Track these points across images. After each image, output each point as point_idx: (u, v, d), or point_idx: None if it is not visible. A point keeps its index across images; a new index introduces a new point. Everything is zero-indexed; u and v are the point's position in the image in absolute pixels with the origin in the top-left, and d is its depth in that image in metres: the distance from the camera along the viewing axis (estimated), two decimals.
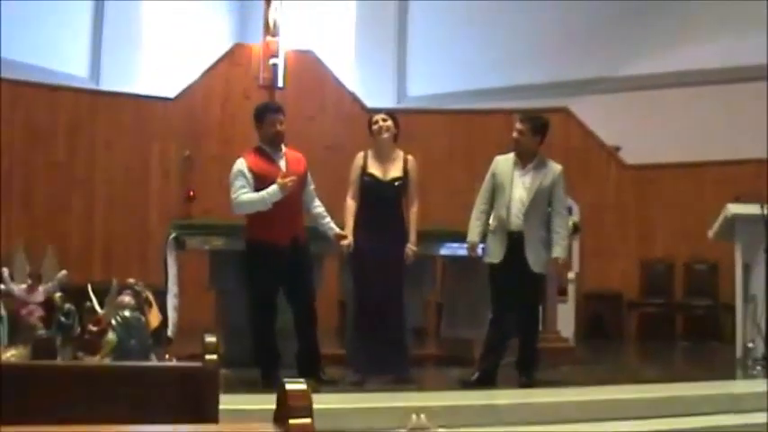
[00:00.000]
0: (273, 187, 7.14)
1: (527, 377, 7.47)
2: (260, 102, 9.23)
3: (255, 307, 7.37)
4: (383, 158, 7.55)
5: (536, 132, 7.52)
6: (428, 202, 12.33)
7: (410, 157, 7.64)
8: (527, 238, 7.35)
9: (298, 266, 7.34)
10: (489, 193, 7.60)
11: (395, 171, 7.53)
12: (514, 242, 7.38)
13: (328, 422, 5.31)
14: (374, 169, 7.51)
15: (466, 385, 7.40)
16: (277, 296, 7.37)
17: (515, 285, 7.41)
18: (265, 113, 7.49)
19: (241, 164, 7.30)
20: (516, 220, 7.38)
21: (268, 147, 7.42)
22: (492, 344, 7.55)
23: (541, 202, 7.41)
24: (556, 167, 7.52)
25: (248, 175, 7.23)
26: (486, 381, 7.43)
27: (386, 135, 7.54)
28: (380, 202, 7.48)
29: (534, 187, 7.39)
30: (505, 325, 7.54)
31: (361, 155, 7.61)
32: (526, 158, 7.50)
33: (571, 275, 11.18)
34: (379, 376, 7.34)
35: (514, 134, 7.53)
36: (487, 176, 7.64)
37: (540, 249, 7.37)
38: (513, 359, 7.67)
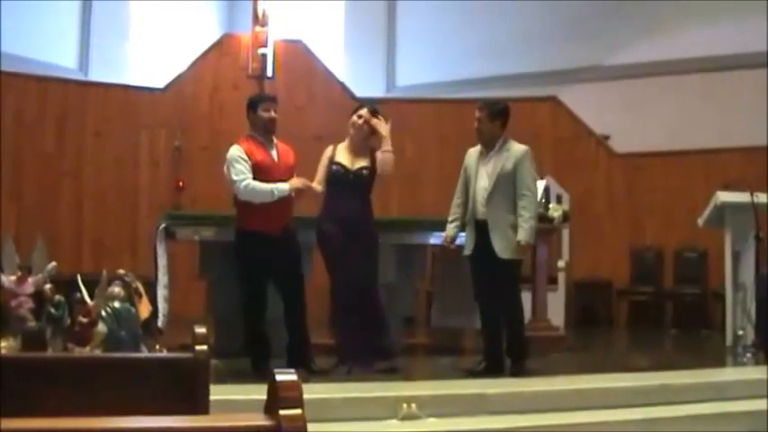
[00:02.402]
0: (284, 185, 7.22)
1: (517, 365, 7.48)
2: (249, 92, 9.24)
3: (246, 297, 7.37)
4: (354, 150, 7.59)
5: (494, 118, 7.52)
6: (418, 191, 12.42)
7: (379, 153, 7.65)
8: (492, 226, 7.33)
9: (288, 256, 7.36)
10: (463, 186, 7.65)
11: (362, 161, 7.56)
12: (481, 231, 7.39)
13: (319, 412, 5.31)
14: (342, 159, 7.55)
15: (472, 374, 7.41)
16: (268, 286, 7.38)
17: (487, 274, 7.42)
18: (260, 101, 7.54)
19: (238, 150, 7.32)
20: (481, 209, 7.40)
21: (260, 136, 7.44)
22: (486, 334, 7.59)
23: (506, 187, 7.36)
24: (518, 149, 7.48)
25: (248, 161, 7.26)
26: (494, 369, 7.46)
27: (360, 135, 7.58)
28: (347, 191, 7.50)
29: (496, 173, 7.38)
30: (491, 312, 7.56)
31: (331, 147, 7.67)
32: (489, 146, 7.53)
33: (561, 264, 11.20)
34: (363, 366, 7.34)
35: (475, 124, 7.57)
36: (461, 170, 7.67)
37: (509, 235, 7.31)
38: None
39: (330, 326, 8.38)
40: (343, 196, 7.47)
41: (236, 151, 7.31)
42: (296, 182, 7.26)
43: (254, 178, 7.22)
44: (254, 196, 7.23)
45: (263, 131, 7.44)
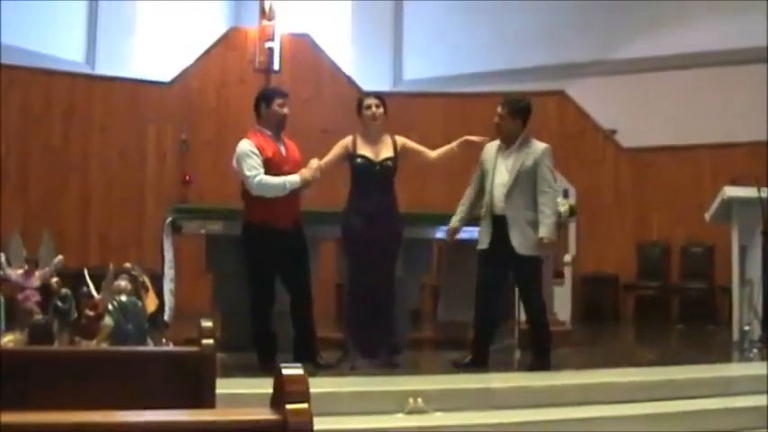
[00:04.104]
0: (295, 177, 7.19)
1: (536, 360, 7.47)
2: (256, 85, 9.22)
3: (254, 291, 7.36)
4: (373, 141, 7.56)
5: (515, 115, 7.52)
6: (425, 186, 12.40)
7: (397, 137, 7.69)
8: (511, 221, 7.33)
9: (296, 250, 7.35)
10: (478, 180, 7.67)
11: (386, 152, 7.54)
12: (499, 226, 7.38)
13: (326, 406, 5.32)
14: (365, 151, 7.51)
15: (458, 367, 7.43)
16: (275, 280, 7.37)
17: (504, 270, 7.43)
18: (274, 96, 7.49)
19: (249, 144, 7.26)
20: (500, 204, 7.40)
21: (270, 130, 7.41)
22: (477, 327, 7.61)
23: (526, 184, 7.37)
24: (539, 146, 7.49)
25: (260, 156, 7.21)
26: (479, 363, 7.47)
27: (378, 122, 7.57)
28: (374, 183, 7.48)
29: (516, 169, 7.38)
30: (488, 308, 7.57)
31: (350, 138, 7.61)
32: (509, 142, 7.52)
33: (568, 258, 11.19)
34: (371, 359, 7.34)
35: (495, 119, 7.57)
36: (478, 164, 7.69)
37: (527, 231, 7.32)
38: (511, 342, 7.70)
39: (341, 319, 8.38)
40: (370, 190, 7.46)
41: (247, 146, 7.24)
42: (306, 172, 7.21)
43: (265, 173, 7.21)
44: (268, 191, 7.18)
45: (275, 126, 7.41)
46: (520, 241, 7.31)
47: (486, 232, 7.50)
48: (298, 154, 7.52)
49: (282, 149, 7.40)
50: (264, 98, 7.49)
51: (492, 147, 7.62)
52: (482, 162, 7.62)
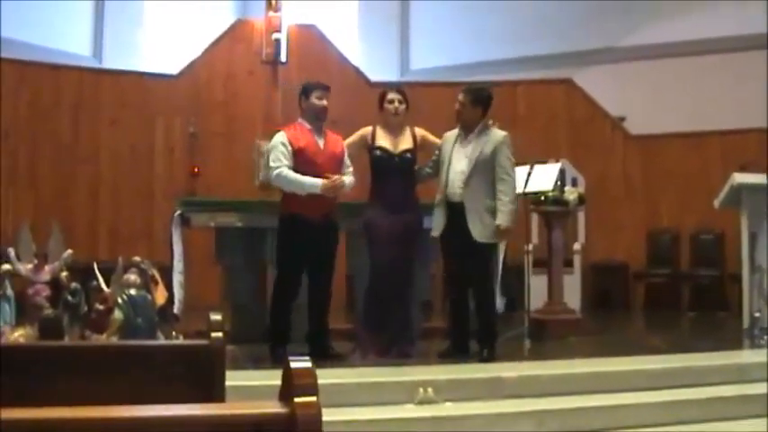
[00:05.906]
0: (317, 183, 7.24)
1: (485, 352, 7.37)
2: (264, 77, 9.23)
3: (279, 279, 7.43)
4: (392, 133, 7.61)
5: (476, 104, 7.52)
6: None
7: (417, 129, 7.72)
8: (468, 209, 7.30)
9: (325, 244, 7.41)
10: (433, 162, 7.70)
11: (405, 143, 7.57)
12: (456, 213, 7.36)
13: (335, 397, 5.33)
14: (384, 143, 7.54)
15: (441, 357, 7.44)
16: (302, 271, 7.42)
17: (460, 257, 7.42)
18: (314, 89, 7.58)
19: (282, 136, 7.40)
20: (457, 191, 7.37)
21: (309, 123, 7.49)
22: (454, 315, 7.63)
23: (485, 171, 7.34)
24: (498, 134, 7.48)
25: (288, 148, 7.30)
26: (461, 350, 7.48)
27: (399, 117, 7.61)
28: (392, 175, 7.51)
29: (474, 156, 7.37)
30: (460, 294, 7.56)
31: (369, 128, 7.66)
32: (469, 130, 7.53)
33: (577, 247, 11.19)
34: (385, 353, 7.34)
35: (456, 106, 7.58)
36: (436, 150, 7.72)
37: (485, 219, 7.29)
38: (520, 331, 7.69)
39: (351, 310, 8.36)
40: (390, 182, 7.50)
41: (279, 137, 7.40)
42: (328, 185, 7.24)
43: (297, 165, 7.28)
44: (284, 185, 7.31)
45: (314, 119, 7.51)
46: (479, 229, 7.28)
47: (441, 219, 7.49)
48: (339, 148, 7.58)
49: (320, 142, 7.48)
50: (304, 91, 7.62)
51: (451, 134, 7.64)
52: (440, 150, 7.64)
